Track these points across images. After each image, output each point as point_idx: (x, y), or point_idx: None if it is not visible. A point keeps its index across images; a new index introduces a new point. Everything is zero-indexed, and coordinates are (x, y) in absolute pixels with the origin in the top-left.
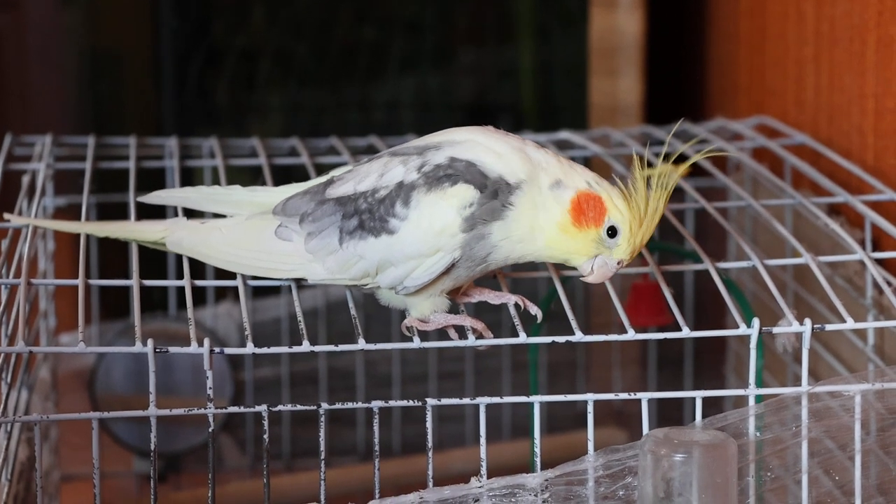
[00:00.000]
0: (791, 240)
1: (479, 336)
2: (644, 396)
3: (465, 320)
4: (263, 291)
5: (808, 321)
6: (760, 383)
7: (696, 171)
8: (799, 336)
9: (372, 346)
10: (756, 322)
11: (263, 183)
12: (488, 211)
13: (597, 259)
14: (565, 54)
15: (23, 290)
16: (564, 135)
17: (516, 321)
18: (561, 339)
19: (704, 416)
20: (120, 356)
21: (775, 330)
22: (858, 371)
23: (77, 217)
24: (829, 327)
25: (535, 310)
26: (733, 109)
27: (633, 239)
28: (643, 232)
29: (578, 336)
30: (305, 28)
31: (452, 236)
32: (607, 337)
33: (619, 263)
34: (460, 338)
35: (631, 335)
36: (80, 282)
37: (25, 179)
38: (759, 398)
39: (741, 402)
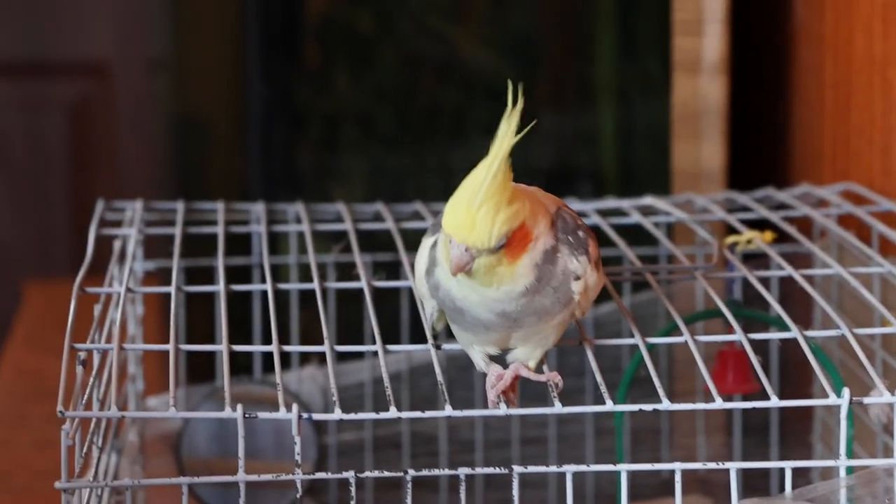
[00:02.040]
0: (880, 308)
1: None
2: (732, 466)
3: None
4: (347, 356)
5: None
6: (851, 454)
7: (781, 238)
8: (890, 406)
9: (459, 413)
10: (846, 392)
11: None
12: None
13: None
14: (647, 119)
15: (115, 355)
16: (648, 200)
17: (603, 388)
18: (648, 406)
19: (792, 486)
20: (204, 420)
21: (866, 400)
22: None
23: (166, 282)
24: None
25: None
26: (818, 176)
27: (449, 220)
28: (456, 209)
29: (665, 404)
30: (388, 93)
31: (423, 285)
32: (694, 406)
33: (451, 242)
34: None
35: (719, 404)
36: (170, 347)
37: (116, 245)
38: (849, 469)
39: (829, 472)
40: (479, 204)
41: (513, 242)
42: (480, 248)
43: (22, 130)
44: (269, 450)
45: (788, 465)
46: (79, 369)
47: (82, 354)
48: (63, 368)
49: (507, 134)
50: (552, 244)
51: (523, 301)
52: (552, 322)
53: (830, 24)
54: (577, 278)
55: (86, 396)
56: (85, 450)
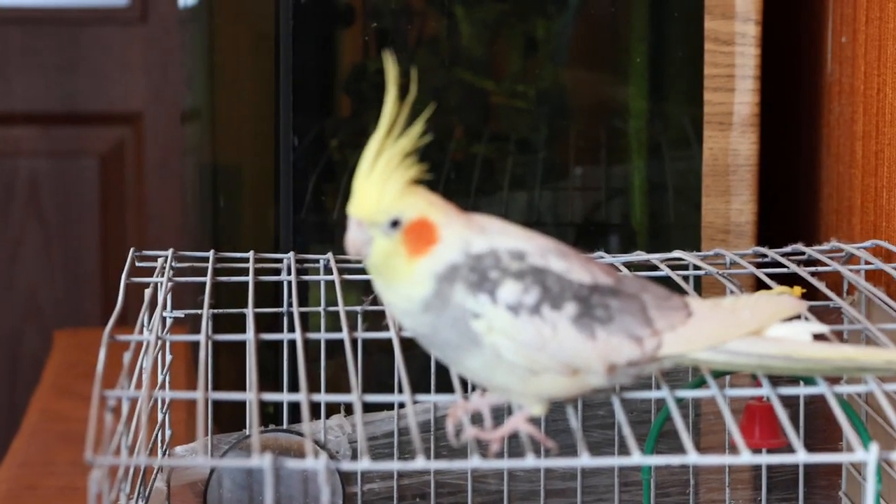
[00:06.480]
0: None
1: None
2: None
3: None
4: (375, 406)
5: None
6: None
7: (810, 293)
8: None
9: (487, 465)
10: (874, 447)
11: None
12: None
13: None
14: (678, 174)
15: (144, 402)
16: (677, 254)
17: (631, 441)
18: (676, 460)
19: None
20: (230, 469)
21: (894, 456)
22: None
23: (194, 330)
24: None
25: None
26: (848, 232)
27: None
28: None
29: (693, 457)
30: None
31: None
32: (722, 459)
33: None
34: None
35: (746, 458)
36: (199, 395)
37: (147, 293)
38: None
39: None
40: (367, 173)
41: (411, 233)
42: (371, 220)
43: (54, 179)
44: (296, 499)
45: None
46: (108, 416)
47: (112, 401)
48: (92, 415)
49: (392, 101)
50: (456, 263)
51: (426, 319)
52: (471, 363)
53: (860, 77)
54: (476, 316)
55: (115, 443)
56: (113, 497)
